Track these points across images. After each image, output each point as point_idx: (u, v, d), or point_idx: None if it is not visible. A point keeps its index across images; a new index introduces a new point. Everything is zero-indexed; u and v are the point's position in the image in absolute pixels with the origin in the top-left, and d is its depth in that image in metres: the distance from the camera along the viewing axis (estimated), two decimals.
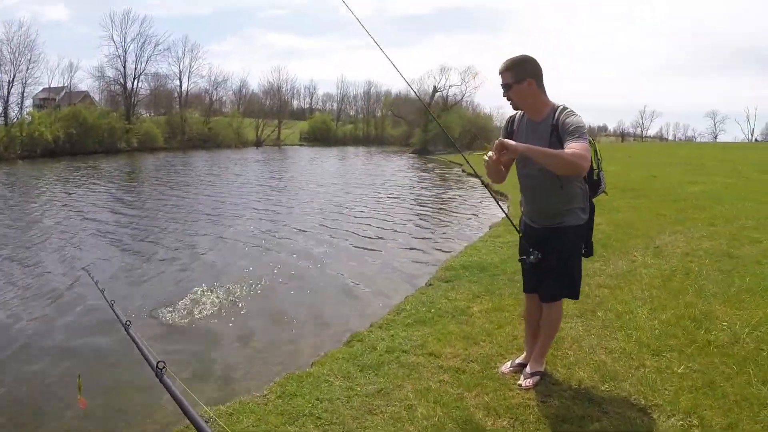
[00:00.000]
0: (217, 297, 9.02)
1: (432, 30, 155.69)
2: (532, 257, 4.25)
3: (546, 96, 4.14)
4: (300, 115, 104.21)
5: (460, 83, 72.39)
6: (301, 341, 7.18)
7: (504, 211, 5.13)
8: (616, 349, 5.19)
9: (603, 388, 4.45)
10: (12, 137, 52.79)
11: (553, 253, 4.25)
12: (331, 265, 11.34)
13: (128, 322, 3.45)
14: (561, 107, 4.07)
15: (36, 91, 65.30)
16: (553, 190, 4.14)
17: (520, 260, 4.48)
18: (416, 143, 68.80)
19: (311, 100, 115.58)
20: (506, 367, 4.86)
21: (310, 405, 4.42)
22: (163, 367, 2.59)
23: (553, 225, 4.26)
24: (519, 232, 4.57)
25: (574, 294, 4.46)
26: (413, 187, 26.90)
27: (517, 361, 4.86)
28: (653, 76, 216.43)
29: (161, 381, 2.54)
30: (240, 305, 8.66)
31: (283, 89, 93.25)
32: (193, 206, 20.68)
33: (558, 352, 5.12)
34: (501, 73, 4.09)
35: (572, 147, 3.76)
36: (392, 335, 5.94)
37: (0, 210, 20.05)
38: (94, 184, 29.38)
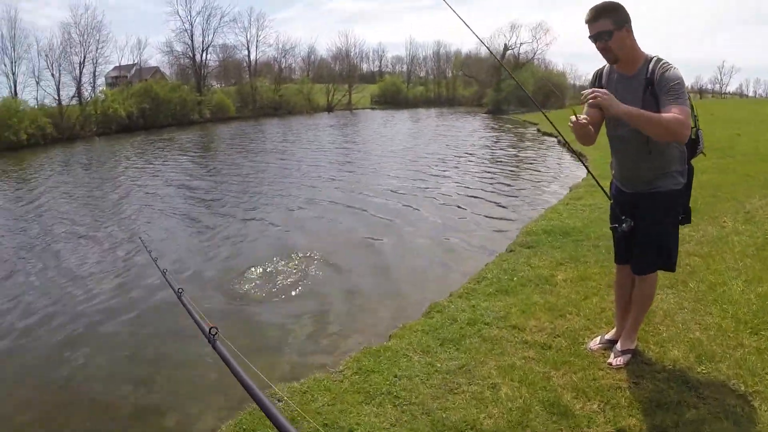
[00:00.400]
0: (292, 266, 9.04)
1: None
2: (624, 225, 3.90)
3: (638, 45, 3.70)
4: (370, 78, 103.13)
5: (531, 40, 70.24)
6: (378, 312, 7.03)
7: (591, 173, 4.65)
8: (712, 325, 4.80)
9: (699, 369, 4.10)
10: (87, 115, 54.89)
11: (647, 221, 3.87)
12: (407, 233, 11.15)
13: (181, 290, 3.41)
14: (655, 58, 3.64)
15: (107, 70, 67.11)
16: (647, 152, 3.74)
17: (611, 228, 4.12)
18: (489, 103, 67.06)
19: (380, 63, 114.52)
20: (595, 343, 4.57)
21: (387, 383, 4.29)
22: (216, 332, 2.53)
23: (647, 190, 3.85)
24: (609, 198, 4.15)
25: (669, 266, 4.04)
26: (488, 148, 26.22)
27: (607, 336, 4.57)
28: (731, 28, 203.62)
29: (214, 347, 2.48)
30: (315, 275, 8.63)
31: (352, 53, 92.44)
32: (268, 173, 20.97)
33: (649, 327, 4.78)
34: (595, 20, 3.60)
35: (673, 111, 3.38)
36: (473, 306, 5.73)
37: (80, 184, 20.82)
38: (169, 155, 30.18)
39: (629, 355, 4.27)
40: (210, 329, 2.56)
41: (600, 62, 3.91)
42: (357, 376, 4.49)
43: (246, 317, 7.22)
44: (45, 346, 6.73)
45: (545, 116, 4.71)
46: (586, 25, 3.66)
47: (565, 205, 10.76)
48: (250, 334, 6.64)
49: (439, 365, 4.49)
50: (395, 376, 4.37)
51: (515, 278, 6.48)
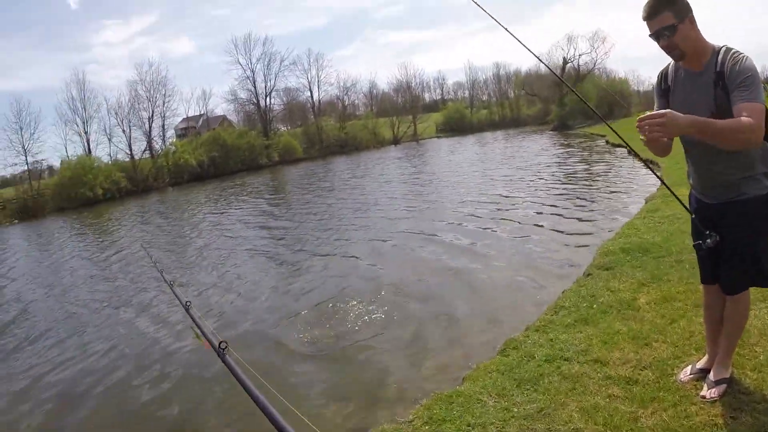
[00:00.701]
0: (362, 305, 8.89)
1: (548, 2, 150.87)
2: (708, 241, 3.48)
3: (703, 36, 3.34)
4: (433, 107, 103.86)
5: (589, 50, 68.41)
6: (450, 351, 6.68)
7: (665, 184, 4.15)
8: None
9: None
10: (159, 167, 57.88)
11: (734, 234, 3.47)
12: (477, 260, 10.79)
13: (188, 303, 3.35)
14: (724, 49, 3.28)
15: (176, 122, 70.94)
16: (723, 156, 3.36)
17: (694, 246, 3.71)
18: (554, 119, 66.18)
19: (442, 90, 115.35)
20: (685, 373, 4.17)
21: None
22: (225, 347, 2.58)
23: (730, 198, 3.47)
24: (689, 212, 3.77)
25: (763, 281, 3.61)
26: (558, 166, 25.49)
27: (698, 365, 4.15)
28: None
29: (223, 361, 2.50)
30: (387, 313, 8.39)
31: (413, 84, 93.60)
32: (340, 210, 21.08)
33: (744, 350, 4.33)
34: (654, 15, 3.23)
35: (743, 111, 3.02)
36: (551, 340, 5.40)
37: (158, 234, 21.38)
38: (242, 200, 30.96)
39: (724, 385, 3.85)
40: (220, 343, 2.61)
41: (663, 61, 3.58)
42: (427, 427, 4.24)
43: (306, 360, 7.05)
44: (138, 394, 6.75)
45: (610, 128, 4.34)
46: (645, 23, 3.31)
47: (642, 219, 10.21)
48: (305, 384, 6.48)
49: (515, 410, 4.18)
50: (468, 425, 4.09)
51: (594, 305, 6.10)
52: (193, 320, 3.13)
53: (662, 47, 3.33)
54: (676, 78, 3.54)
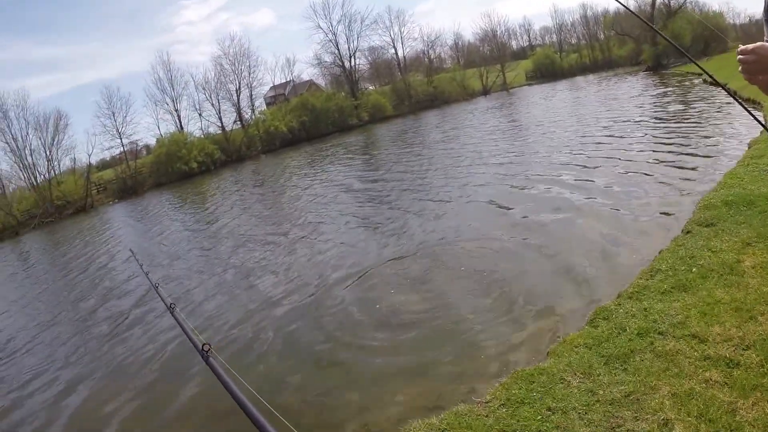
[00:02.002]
0: (444, 266, 8.80)
1: None
2: None
3: None
4: (521, 54, 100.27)
5: None
6: (537, 321, 6.24)
7: (766, 128, 3.61)
8: None
9: None
10: (251, 136, 59.38)
11: None
12: (570, 212, 10.27)
13: (173, 305, 3.19)
14: None
15: (264, 92, 71.69)
16: None
17: None
18: (647, 59, 62.72)
19: (529, 37, 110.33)
20: None
21: (539, 418, 3.75)
22: (209, 349, 2.49)
23: None
24: None
25: None
26: (653, 110, 23.79)
27: None
28: None
29: (207, 363, 2.44)
30: (474, 274, 8.12)
31: (498, 32, 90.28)
32: (431, 166, 20.84)
33: None
34: None
35: None
36: (645, 309, 4.98)
37: (251, 199, 21.83)
38: (337, 161, 30.95)
39: None
40: (203, 345, 2.52)
41: None
42: (504, 409, 3.99)
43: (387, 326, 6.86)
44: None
45: (701, 68, 3.74)
46: None
47: (746, 167, 9.33)
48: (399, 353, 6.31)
49: (601, 393, 3.85)
50: (548, 409, 3.82)
51: (694, 269, 5.59)
52: (178, 322, 3.00)
53: None
54: None
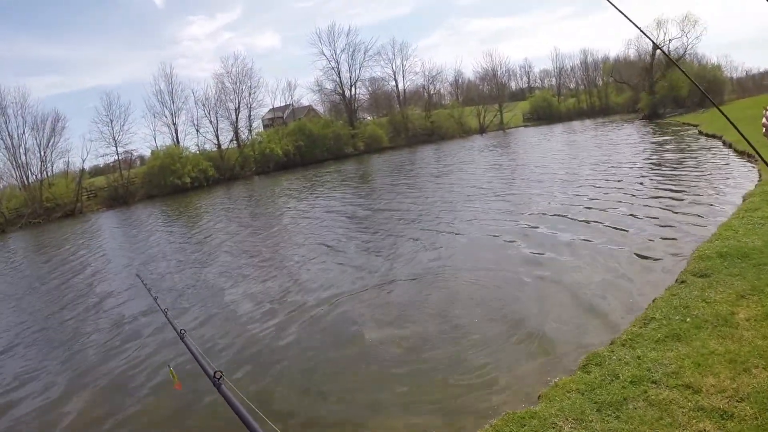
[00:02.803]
0: (425, 309, 8.68)
1: None
2: None
3: None
4: (519, 95, 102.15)
5: (680, 35, 65.08)
6: (527, 362, 6.23)
7: None
8: None
9: None
10: (246, 156, 59.97)
11: None
12: (560, 260, 10.24)
13: (183, 331, 3.14)
14: None
15: (262, 113, 72.36)
16: None
17: None
18: (644, 108, 63.53)
19: (528, 78, 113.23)
20: None
21: None
22: (221, 376, 2.47)
23: None
24: None
25: None
26: (649, 158, 23.97)
27: None
28: None
29: (219, 391, 2.40)
30: (462, 314, 8.08)
31: (499, 72, 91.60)
32: (423, 201, 20.77)
33: None
34: None
35: None
36: (638, 357, 4.97)
37: (250, 217, 21.79)
38: (331, 188, 31.00)
39: None
40: (215, 373, 2.49)
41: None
42: None
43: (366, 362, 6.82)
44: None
45: (722, 113, 3.69)
46: None
47: (740, 219, 9.43)
48: (369, 387, 6.27)
49: None
50: None
51: (688, 318, 5.60)
52: (189, 349, 2.95)
53: None
54: None
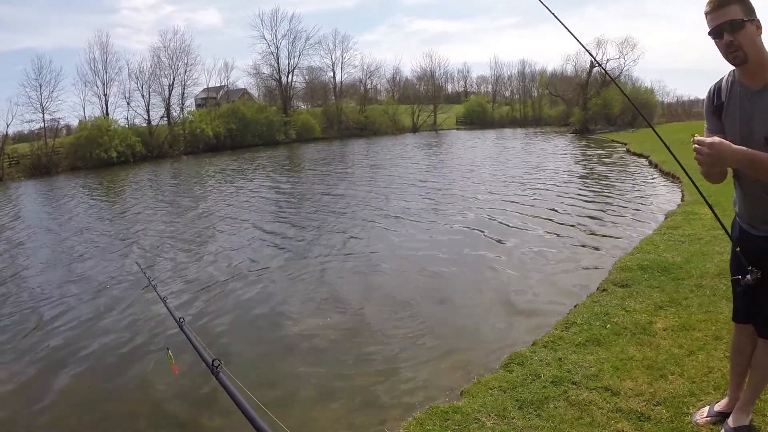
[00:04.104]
0: (353, 300, 8.66)
1: (581, 3, 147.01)
2: (749, 277, 3.04)
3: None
4: (455, 98, 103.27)
5: (618, 56, 67.34)
6: (450, 358, 6.30)
7: (715, 214, 3.44)
8: None
9: None
10: (175, 135, 58.59)
11: None
12: (485, 262, 10.39)
13: (182, 319, 3.12)
14: None
15: (196, 92, 70.41)
16: None
17: (732, 281, 3.34)
18: (575, 122, 65.51)
19: (465, 83, 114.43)
20: (701, 415, 3.83)
21: None
22: (219, 364, 2.50)
23: None
24: (732, 241, 3.38)
25: None
26: (576, 171, 24.72)
27: (716, 408, 3.81)
28: None
29: (217, 379, 2.44)
30: (385, 313, 8.04)
31: (437, 74, 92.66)
32: (348, 195, 20.83)
33: (766, 395, 3.97)
34: (721, 6, 2.80)
35: None
36: (560, 359, 5.08)
37: (165, 198, 21.35)
38: (256, 174, 30.78)
39: None
40: (213, 361, 2.50)
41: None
42: None
43: (287, 358, 6.76)
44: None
45: (657, 135, 3.69)
46: (707, 16, 2.88)
47: (662, 236, 9.78)
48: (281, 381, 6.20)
49: None
50: None
51: (608, 325, 5.76)
52: (187, 337, 2.91)
53: (724, 45, 2.86)
54: (731, 94, 3.08)
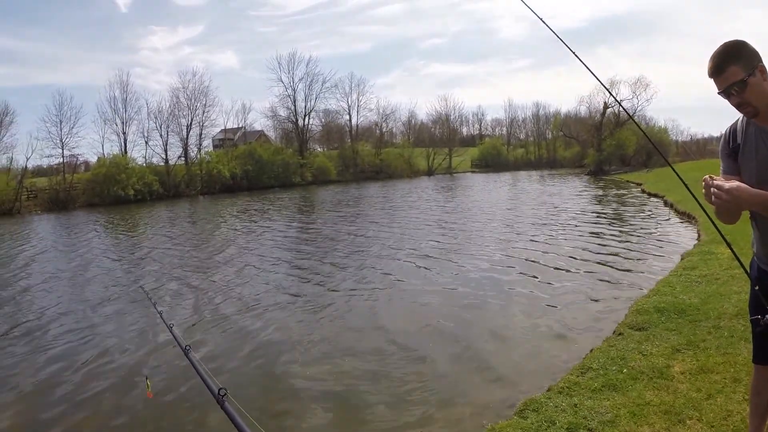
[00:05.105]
0: (369, 343, 8.60)
1: (592, 43, 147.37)
2: None
3: None
4: (470, 141, 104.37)
5: (631, 96, 67.38)
6: (463, 405, 6.19)
7: (734, 252, 3.48)
8: None
9: None
10: (192, 175, 59.53)
11: None
12: (500, 304, 10.34)
13: (188, 347, 3.10)
14: None
15: (214, 133, 71.90)
16: None
17: (752, 321, 3.28)
18: (590, 163, 65.53)
19: (480, 126, 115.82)
20: None
21: None
22: (225, 393, 2.47)
23: None
24: (751, 281, 3.33)
25: None
26: (592, 213, 24.64)
27: None
28: None
29: (222, 408, 2.41)
30: (397, 356, 7.97)
31: (451, 117, 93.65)
32: (365, 237, 20.80)
33: None
34: (721, 71, 2.81)
35: None
36: (575, 405, 4.98)
37: (179, 240, 21.50)
38: (272, 216, 30.93)
39: None
40: (219, 390, 2.49)
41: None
42: None
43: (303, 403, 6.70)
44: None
45: (676, 173, 3.66)
46: (711, 80, 2.88)
47: (678, 277, 9.69)
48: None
49: None
50: None
51: (625, 370, 5.67)
52: (193, 365, 2.91)
53: (734, 105, 2.89)
54: (747, 135, 3.05)
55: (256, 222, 28.11)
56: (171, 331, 3.70)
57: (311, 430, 5.84)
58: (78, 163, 58.31)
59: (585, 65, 3.87)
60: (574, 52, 3.97)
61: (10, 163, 51.45)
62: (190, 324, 10.05)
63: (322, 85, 75.71)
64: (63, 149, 54.79)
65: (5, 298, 13.64)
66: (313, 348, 8.49)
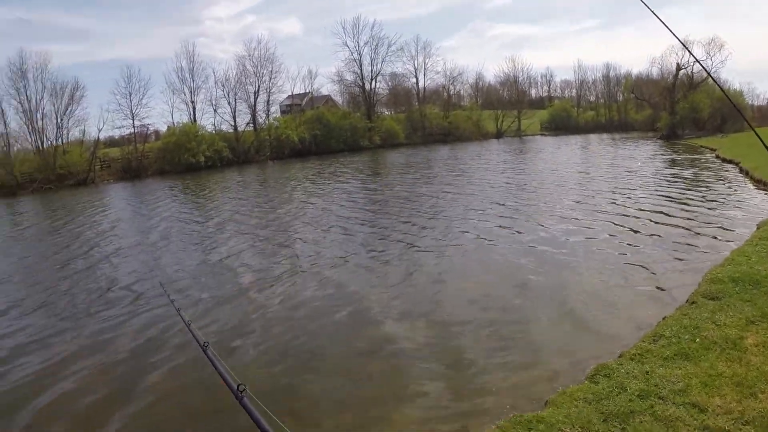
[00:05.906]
0: (442, 309, 8.76)
1: (661, 3, 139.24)
2: None
3: None
4: (539, 104, 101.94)
5: (704, 57, 64.27)
6: (536, 367, 6.35)
7: None
8: None
9: None
10: (261, 140, 60.35)
11: None
12: (572, 270, 10.35)
13: (206, 344, 3.14)
14: None
15: (281, 99, 72.31)
16: None
17: None
18: (662, 127, 63.11)
19: (549, 88, 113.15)
20: None
21: None
22: (244, 389, 2.48)
23: None
24: None
25: None
26: (665, 179, 23.76)
27: None
28: None
29: (242, 404, 2.41)
30: (470, 319, 8.16)
31: (520, 79, 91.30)
32: (444, 199, 20.95)
33: None
34: None
35: None
36: (647, 372, 5.06)
37: (251, 201, 22.03)
38: (344, 179, 31.32)
39: None
40: (238, 386, 2.50)
41: None
42: None
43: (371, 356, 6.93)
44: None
45: (760, 139, 3.75)
46: None
47: (754, 246, 9.46)
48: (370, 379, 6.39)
49: None
50: None
51: (697, 339, 5.68)
52: (211, 361, 2.97)
53: None
54: None
55: (330, 184, 28.77)
56: (189, 329, 3.67)
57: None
58: (148, 132, 60.16)
59: (662, 21, 3.87)
60: (651, 8, 3.95)
61: (83, 135, 53.39)
62: (290, 277, 10.83)
63: (388, 48, 75.19)
64: (133, 120, 56.45)
65: (98, 259, 14.52)
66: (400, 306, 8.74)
